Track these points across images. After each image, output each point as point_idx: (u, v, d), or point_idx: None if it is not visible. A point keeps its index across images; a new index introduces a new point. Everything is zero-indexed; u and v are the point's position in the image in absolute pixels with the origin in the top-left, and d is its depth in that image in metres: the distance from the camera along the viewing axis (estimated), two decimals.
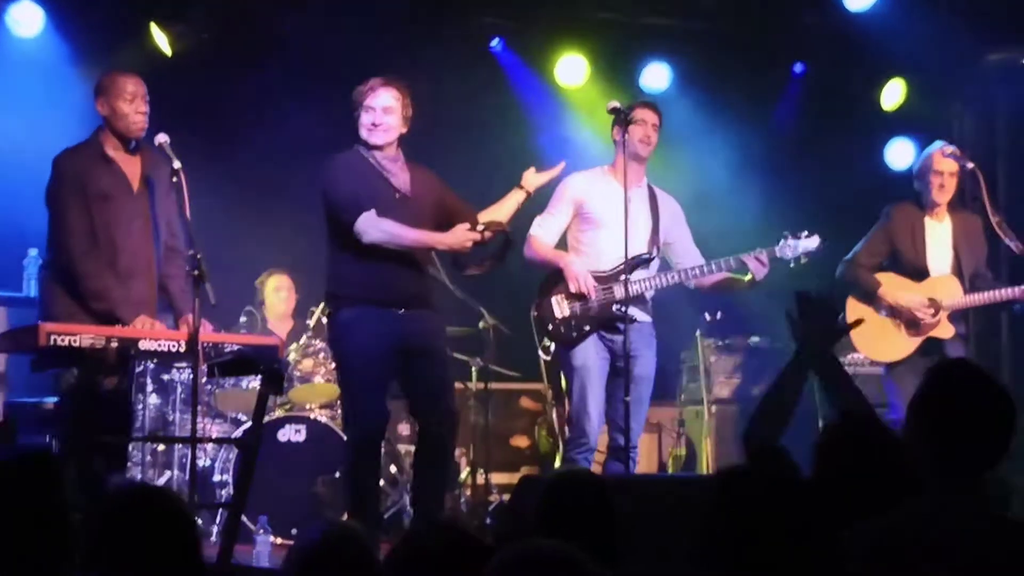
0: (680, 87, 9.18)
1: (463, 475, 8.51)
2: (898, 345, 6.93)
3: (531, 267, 6.61)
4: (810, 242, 6.47)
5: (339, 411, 7.54)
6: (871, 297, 6.93)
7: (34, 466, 3.02)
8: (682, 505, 2.77)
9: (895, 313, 6.89)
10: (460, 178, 8.47)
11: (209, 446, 7.49)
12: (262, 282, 8.38)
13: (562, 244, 6.66)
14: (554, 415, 8.35)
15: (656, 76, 9.21)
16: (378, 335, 5.68)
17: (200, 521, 7.15)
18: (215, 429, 7.64)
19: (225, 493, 7.29)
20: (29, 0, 8.00)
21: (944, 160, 6.90)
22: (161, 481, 7.41)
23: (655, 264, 6.51)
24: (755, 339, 8.77)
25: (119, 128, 5.64)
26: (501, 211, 6.08)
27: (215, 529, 7.12)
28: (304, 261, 7.66)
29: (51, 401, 6.50)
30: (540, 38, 8.95)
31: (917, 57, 8.57)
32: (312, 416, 7.44)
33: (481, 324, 7.91)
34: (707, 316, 8.92)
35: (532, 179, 6.19)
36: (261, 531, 6.56)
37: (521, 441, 9.10)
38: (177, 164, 5.49)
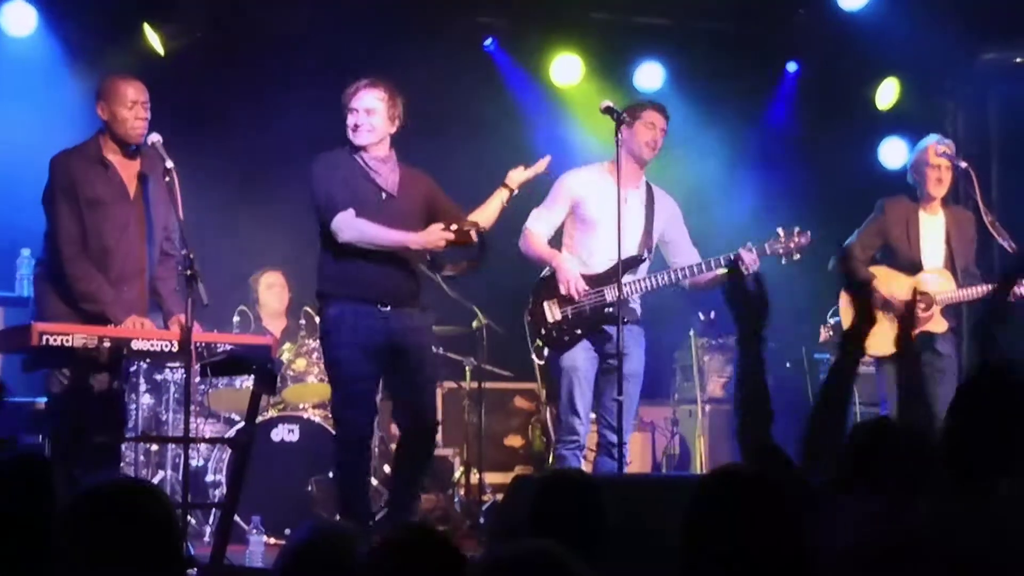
0: (674, 86, 9.18)
1: (457, 474, 8.52)
2: (890, 338, 6.91)
3: (525, 260, 6.62)
4: (802, 239, 6.46)
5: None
6: None
7: (24, 467, 3.01)
8: (673, 505, 2.77)
9: (888, 307, 6.89)
10: (453, 177, 8.49)
11: (202, 446, 7.48)
12: (255, 280, 8.38)
13: (556, 239, 6.66)
14: (548, 415, 8.35)
15: (650, 75, 9.21)
16: (365, 332, 5.75)
17: (193, 521, 7.15)
18: (208, 429, 7.62)
19: (218, 493, 7.29)
20: (22, 0, 7.99)
21: (937, 156, 6.91)
22: (154, 481, 7.40)
23: (645, 266, 6.51)
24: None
25: (118, 133, 5.64)
26: (486, 211, 6.10)
27: (208, 529, 7.12)
28: (297, 259, 7.65)
29: (43, 401, 6.51)
30: (534, 38, 8.96)
31: (910, 56, 8.59)
32: (305, 416, 7.43)
33: (475, 324, 7.91)
34: (701, 315, 8.93)
35: (516, 177, 6.19)
36: (254, 531, 6.56)
37: (515, 441, 9.11)
38: (170, 164, 5.50)
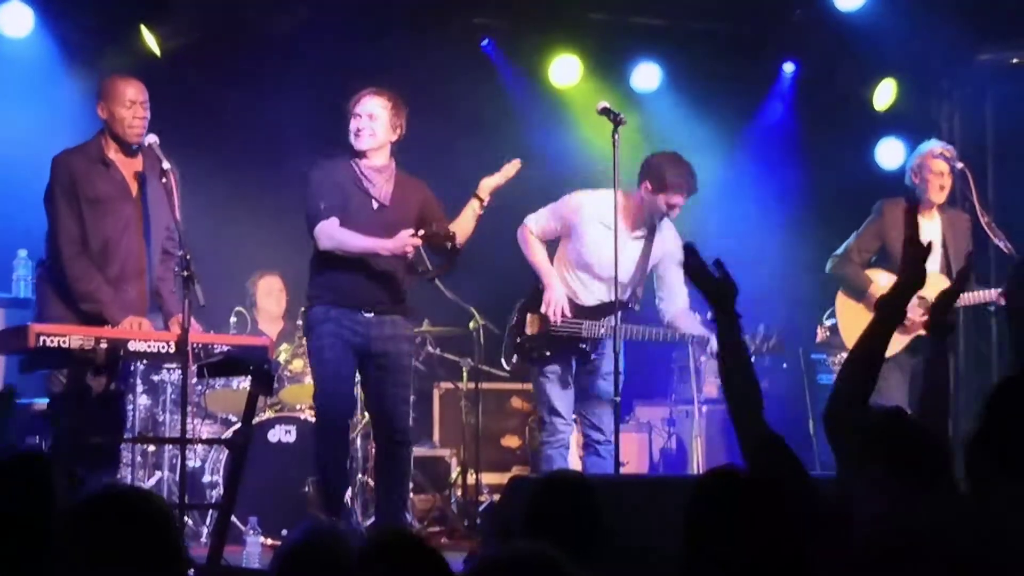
0: (671, 87, 9.19)
1: (454, 475, 8.52)
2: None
3: (521, 263, 6.68)
4: (770, 342, 6.74)
5: None
6: (861, 293, 6.93)
7: (24, 467, 3.01)
8: (670, 506, 2.77)
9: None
10: (452, 177, 8.50)
11: (199, 447, 7.49)
12: (253, 283, 8.38)
13: (552, 245, 6.72)
14: (539, 416, 8.38)
15: (647, 76, 9.22)
16: (348, 331, 5.95)
17: (190, 522, 7.15)
18: (205, 430, 7.63)
19: (215, 494, 7.28)
20: (18, 1, 7.99)
21: (941, 162, 6.92)
22: (151, 482, 7.41)
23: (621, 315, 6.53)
24: (745, 339, 8.77)
25: (117, 133, 5.66)
26: (460, 223, 6.16)
27: (205, 530, 7.12)
28: (295, 262, 7.62)
29: (42, 402, 6.50)
30: (531, 38, 8.95)
31: (907, 56, 8.60)
32: (302, 417, 7.43)
33: (471, 324, 7.91)
34: (697, 316, 8.92)
35: (486, 185, 6.21)
36: (251, 532, 6.55)
37: (512, 441, 9.12)
38: (167, 164, 5.52)
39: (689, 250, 3.49)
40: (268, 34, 8.34)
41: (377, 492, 6.32)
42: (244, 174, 8.50)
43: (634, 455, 8.69)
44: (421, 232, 5.95)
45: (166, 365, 7.21)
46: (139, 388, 7.49)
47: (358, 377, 6.24)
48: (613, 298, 6.29)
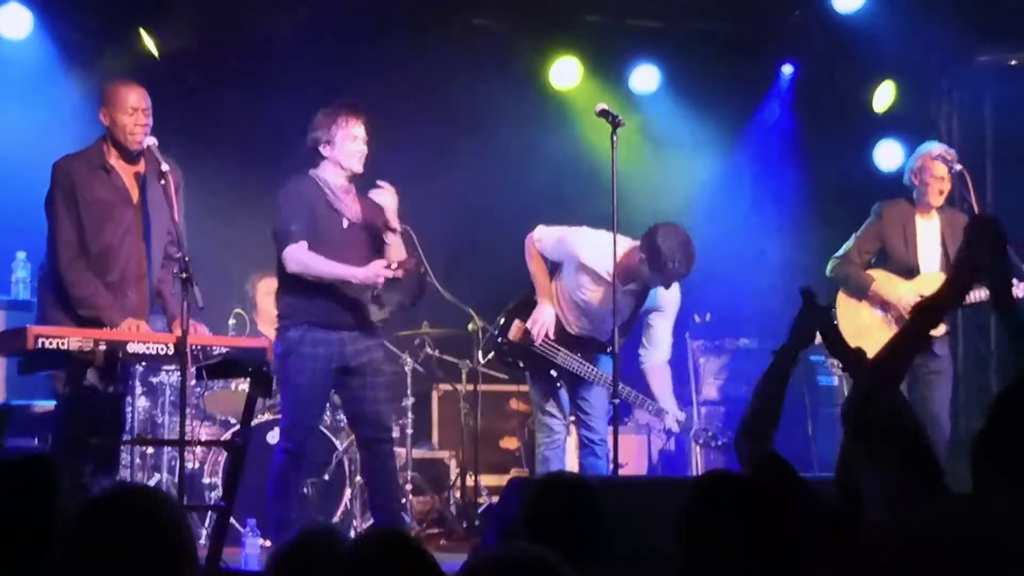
0: (669, 88, 9.19)
1: (453, 477, 8.52)
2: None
3: (521, 267, 6.71)
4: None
5: (328, 413, 7.57)
6: (862, 293, 6.95)
7: (29, 470, 2.99)
8: (670, 507, 2.77)
9: (886, 309, 6.91)
10: (452, 178, 8.52)
11: (198, 449, 7.48)
12: (252, 284, 8.37)
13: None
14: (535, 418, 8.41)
15: (645, 78, 9.22)
16: (324, 357, 5.97)
17: None
18: (204, 431, 7.62)
19: (214, 496, 7.27)
20: (17, 2, 8.00)
21: (941, 165, 6.93)
22: (150, 484, 7.39)
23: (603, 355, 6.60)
24: (744, 341, 8.79)
25: (118, 139, 5.65)
26: (391, 255, 6.12)
27: (204, 532, 7.11)
28: None
29: (40, 404, 6.51)
30: (529, 40, 8.95)
31: (905, 58, 8.61)
32: None
33: (470, 326, 7.90)
34: (696, 317, 8.94)
35: (389, 216, 6.11)
36: (249, 534, 6.55)
37: (510, 443, 9.11)
38: (165, 166, 5.51)
39: (807, 295, 3.62)
40: (267, 36, 8.34)
41: (370, 494, 6.34)
42: (243, 175, 8.49)
43: (633, 456, 8.69)
44: (394, 265, 6.01)
45: (165, 367, 7.20)
46: (138, 390, 7.48)
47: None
48: (597, 336, 6.42)
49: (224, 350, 5.53)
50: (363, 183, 6.17)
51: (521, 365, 6.72)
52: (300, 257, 5.95)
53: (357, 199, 6.15)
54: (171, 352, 5.36)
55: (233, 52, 8.50)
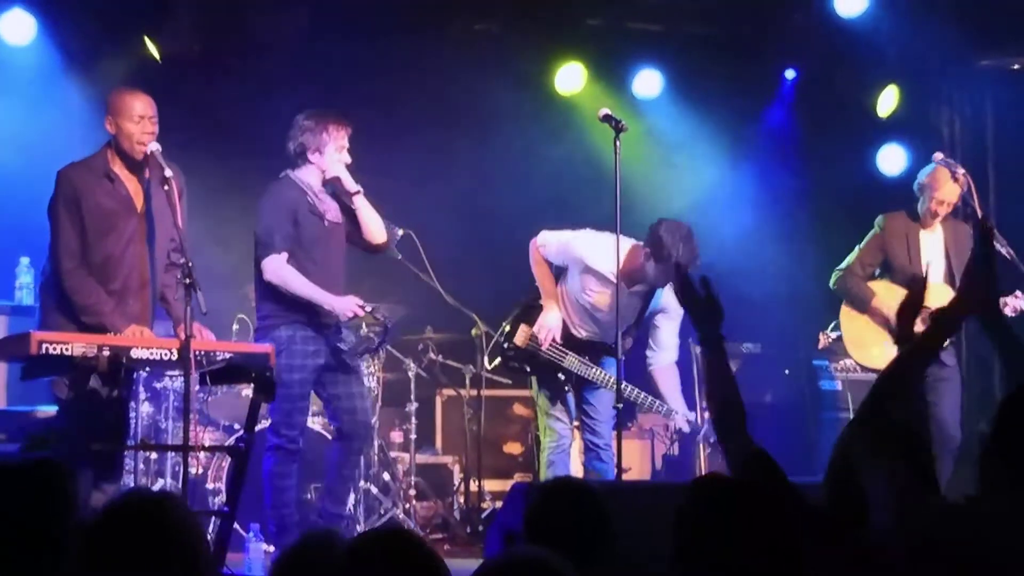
0: (672, 93, 9.19)
1: (456, 482, 8.52)
2: (892, 352, 6.91)
3: (526, 271, 6.72)
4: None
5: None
6: (864, 306, 6.97)
7: (43, 475, 3.00)
8: (671, 512, 2.78)
9: (888, 322, 6.92)
10: (455, 181, 8.52)
11: (201, 454, 7.49)
12: (253, 289, 8.36)
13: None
14: (539, 423, 8.42)
15: (648, 82, 9.22)
16: (313, 354, 6.16)
17: None
18: (207, 437, 7.64)
19: (217, 501, 7.26)
20: (20, 8, 8.01)
21: (951, 189, 6.92)
22: (154, 489, 7.41)
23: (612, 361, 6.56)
24: (748, 346, 8.79)
25: (124, 147, 5.66)
26: (371, 223, 6.33)
27: (208, 537, 7.11)
28: None
29: (43, 409, 6.51)
30: (530, 44, 8.93)
31: (908, 63, 8.62)
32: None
33: (474, 331, 7.90)
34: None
35: (343, 180, 6.31)
36: (253, 539, 6.55)
37: (514, 448, 9.13)
38: (168, 172, 5.51)
39: (678, 268, 3.50)
40: (268, 40, 8.35)
41: (333, 473, 6.41)
42: (246, 179, 8.49)
43: (636, 461, 8.70)
44: (369, 308, 6.19)
45: (169, 372, 7.22)
46: (142, 395, 7.50)
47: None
48: (603, 339, 6.42)
49: (227, 355, 5.53)
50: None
51: (528, 370, 6.74)
52: (279, 271, 6.13)
53: (332, 197, 6.34)
54: (175, 358, 5.36)
55: (235, 57, 8.51)
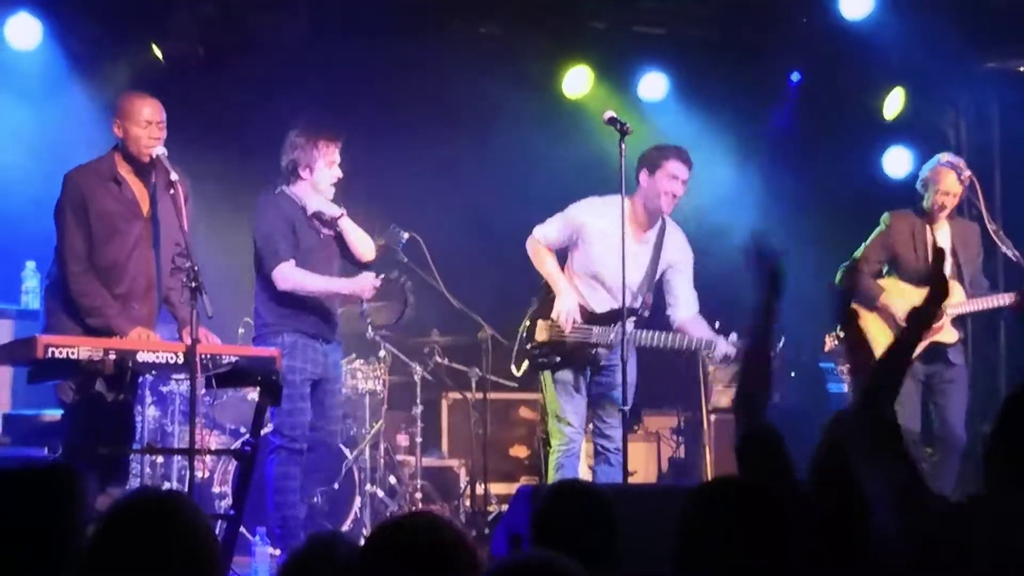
0: (677, 96, 9.21)
1: (462, 485, 8.54)
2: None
3: (530, 273, 6.73)
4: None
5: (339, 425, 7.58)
6: (871, 303, 6.97)
7: (52, 479, 3.00)
8: (676, 515, 2.78)
9: (896, 318, 6.93)
10: (451, 185, 8.51)
11: (208, 457, 7.46)
12: None
13: (560, 254, 6.76)
14: (549, 425, 8.43)
15: (653, 85, 9.24)
16: (311, 361, 6.33)
17: None
18: (214, 440, 7.63)
19: (223, 505, 7.29)
20: (26, 13, 8.02)
21: (953, 181, 6.94)
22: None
23: (634, 320, 6.58)
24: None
25: (130, 150, 5.69)
26: (360, 241, 6.49)
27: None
28: None
29: (49, 413, 6.52)
30: (534, 47, 8.92)
31: (913, 65, 8.62)
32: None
33: (479, 335, 7.93)
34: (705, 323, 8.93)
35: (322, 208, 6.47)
36: (259, 542, 6.56)
37: (520, 451, 9.14)
38: (174, 176, 5.54)
39: (757, 235, 3.49)
40: (272, 44, 8.37)
41: (310, 479, 6.52)
42: (251, 183, 8.51)
43: (642, 464, 8.72)
44: (383, 276, 6.40)
45: (174, 376, 7.23)
46: (148, 399, 7.52)
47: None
48: (622, 305, 6.31)
49: (233, 359, 5.55)
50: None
51: (559, 360, 6.59)
52: (291, 275, 6.26)
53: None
54: (181, 361, 5.38)
55: (239, 60, 8.52)
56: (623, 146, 6.33)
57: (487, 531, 7.79)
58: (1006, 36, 8.57)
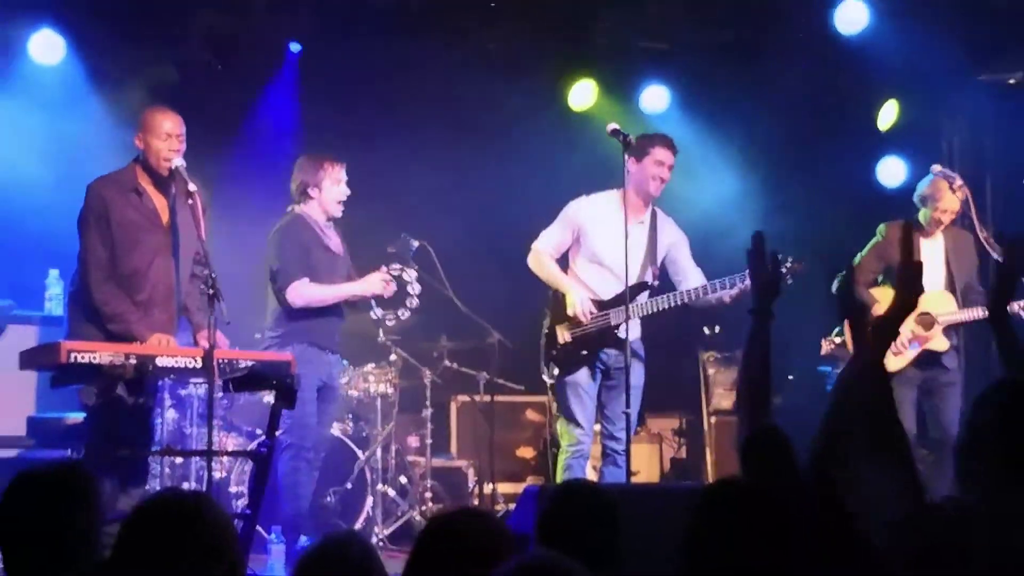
0: (678, 108, 9.28)
1: (471, 485, 8.62)
2: (893, 357, 7.05)
3: (535, 278, 6.84)
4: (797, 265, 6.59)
5: (350, 424, 7.72)
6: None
7: (67, 480, 3.08)
8: (680, 515, 2.80)
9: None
10: (453, 189, 8.55)
11: (225, 459, 7.57)
12: None
13: (563, 260, 6.87)
14: (558, 427, 8.50)
15: (655, 98, 9.32)
16: (319, 369, 6.64)
17: None
18: (230, 442, 7.72)
19: (240, 504, 7.35)
20: (50, 30, 8.15)
21: (952, 199, 7.03)
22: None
23: (646, 294, 6.69)
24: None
25: (151, 162, 5.83)
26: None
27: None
28: None
29: (72, 416, 6.63)
30: (543, 62, 9.01)
31: (908, 77, 8.61)
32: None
33: (487, 340, 8.01)
34: (706, 330, 9.02)
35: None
36: (275, 541, 6.68)
37: (526, 452, 9.19)
38: (192, 187, 5.66)
39: (757, 237, 3.56)
40: (281, 53, 8.49)
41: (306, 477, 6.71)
42: (267, 189, 8.59)
43: (645, 465, 8.76)
44: (393, 271, 6.73)
45: (193, 380, 7.33)
46: (167, 402, 7.60)
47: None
48: (627, 283, 6.40)
49: (250, 364, 5.64)
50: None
51: (585, 353, 6.68)
52: (305, 292, 6.61)
53: (336, 232, 6.81)
54: (199, 366, 5.47)
55: (248, 69, 8.63)
56: (626, 156, 6.49)
57: None
58: (998, 49, 8.58)
